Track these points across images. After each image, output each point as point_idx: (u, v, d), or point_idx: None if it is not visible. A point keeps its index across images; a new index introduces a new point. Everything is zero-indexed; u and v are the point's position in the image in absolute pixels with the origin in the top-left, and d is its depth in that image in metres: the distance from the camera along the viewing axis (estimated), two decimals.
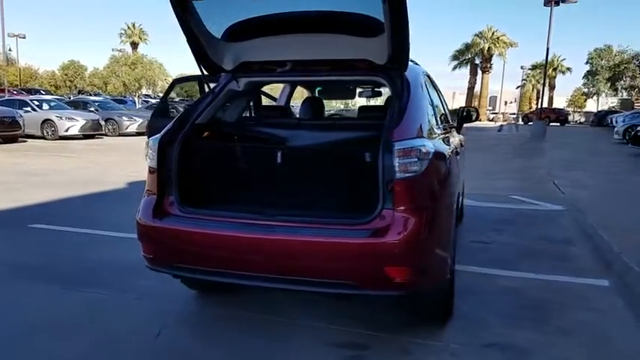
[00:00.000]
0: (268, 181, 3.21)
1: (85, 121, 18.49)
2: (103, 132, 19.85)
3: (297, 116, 4.31)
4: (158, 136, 3.09)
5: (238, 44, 3.27)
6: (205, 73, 3.34)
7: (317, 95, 5.40)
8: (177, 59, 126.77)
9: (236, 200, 3.16)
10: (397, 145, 2.60)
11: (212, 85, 3.48)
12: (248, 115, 4.26)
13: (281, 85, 5.32)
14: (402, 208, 2.57)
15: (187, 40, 3.12)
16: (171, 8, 2.93)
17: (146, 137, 4.73)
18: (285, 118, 3.82)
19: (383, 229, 2.56)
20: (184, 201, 2.98)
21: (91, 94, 42.32)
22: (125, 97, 36.47)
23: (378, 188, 2.63)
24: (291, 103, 5.44)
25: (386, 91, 5.31)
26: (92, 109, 21.58)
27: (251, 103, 4.29)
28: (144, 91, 39.88)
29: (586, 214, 6.27)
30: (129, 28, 55.15)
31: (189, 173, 3.10)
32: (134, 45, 54.88)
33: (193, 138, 3.19)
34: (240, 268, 2.78)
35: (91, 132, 18.91)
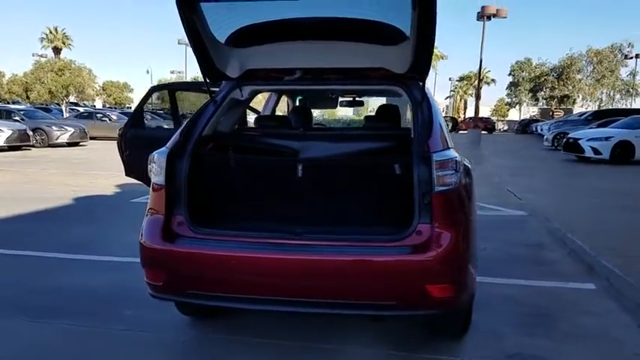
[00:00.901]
0: (285, 196, 3.01)
1: (11, 132, 17.09)
2: (31, 143, 18.42)
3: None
4: (164, 149, 2.83)
5: (245, 50, 3.07)
6: (208, 80, 3.11)
7: (298, 104, 5.25)
8: (101, 65, 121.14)
9: (252, 218, 2.94)
10: (435, 156, 2.52)
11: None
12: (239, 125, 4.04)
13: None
14: (440, 222, 2.49)
15: (192, 45, 2.88)
16: (176, 10, 2.69)
17: (117, 147, 4.39)
18: (289, 128, 3.64)
19: (423, 245, 2.47)
20: (195, 220, 2.74)
21: (8, 102, 39.37)
22: (49, 105, 34.19)
23: (414, 202, 2.53)
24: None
25: (371, 100, 5.27)
26: (17, 118, 20.03)
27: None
28: (72, 98, 37.63)
29: (549, 219, 6.53)
30: (51, 32, 52.22)
31: (200, 189, 2.86)
32: (57, 50, 51.96)
33: (202, 151, 2.95)
34: (267, 292, 2.58)
35: (18, 143, 17.49)
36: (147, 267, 2.73)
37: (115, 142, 5.18)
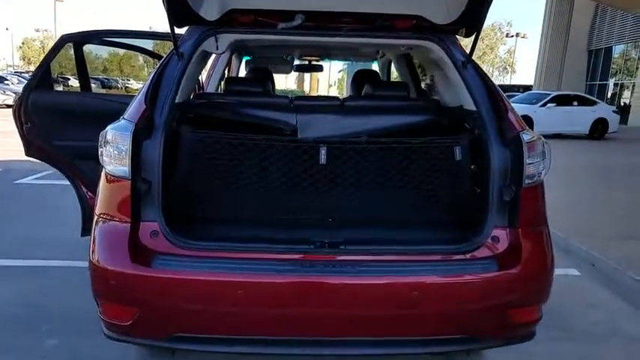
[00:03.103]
0: (306, 191, 2.17)
1: None
2: None
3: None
4: (125, 123, 1.88)
5: None
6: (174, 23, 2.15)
7: (247, 64, 4.32)
8: None
9: (259, 225, 2.07)
10: (526, 136, 1.92)
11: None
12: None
13: None
14: (527, 225, 1.92)
15: None
16: None
17: (13, 117, 3.20)
18: (271, 97, 2.78)
19: (505, 257, 1.87)
20: (177, 229, 1.87)
21: None
22: None
23: (487, 198, 1.92)
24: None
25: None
26: None
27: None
28: None
29: None
30: None
31: (180, 183, 1.98)
32: None
33: (178, 126, 2.06)
34: (293, 331, 1.83)
35: None
36: (105, 299, 1.84)
37: None
